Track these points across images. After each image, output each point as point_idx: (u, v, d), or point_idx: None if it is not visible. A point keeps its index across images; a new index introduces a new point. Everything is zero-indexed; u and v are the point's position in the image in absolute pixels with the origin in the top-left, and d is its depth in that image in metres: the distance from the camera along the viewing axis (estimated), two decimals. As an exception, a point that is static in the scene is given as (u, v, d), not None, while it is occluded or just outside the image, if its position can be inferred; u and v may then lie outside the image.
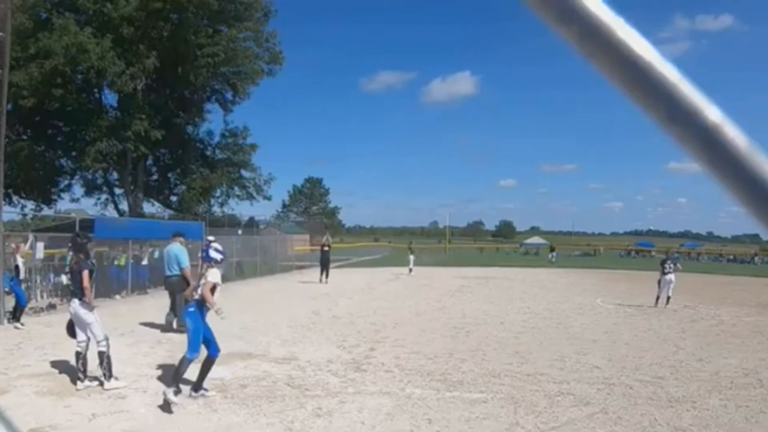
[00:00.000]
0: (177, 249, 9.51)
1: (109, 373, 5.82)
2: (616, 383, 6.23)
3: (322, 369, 6.78)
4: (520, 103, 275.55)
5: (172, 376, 5.41)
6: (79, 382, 5.79)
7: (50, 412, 5.07)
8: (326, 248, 19.17)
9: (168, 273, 9.52)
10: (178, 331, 8.33)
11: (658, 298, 13.55)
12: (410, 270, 23.44)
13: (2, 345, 8.01)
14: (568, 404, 5.45)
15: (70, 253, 8.04)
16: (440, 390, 5.88)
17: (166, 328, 9.19)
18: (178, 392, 5.23)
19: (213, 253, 5.70)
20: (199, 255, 5.86)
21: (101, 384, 5.79)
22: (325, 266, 18.78)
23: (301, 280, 20.29)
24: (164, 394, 5.18)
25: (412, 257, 24.04)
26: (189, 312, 5.51)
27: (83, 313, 5.97)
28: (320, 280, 18.46)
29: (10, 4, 9.95)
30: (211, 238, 10.82)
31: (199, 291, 5.53)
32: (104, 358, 5.83)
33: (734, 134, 0.32)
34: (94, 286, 6.71)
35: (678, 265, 14.64)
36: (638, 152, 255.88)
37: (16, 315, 9.78)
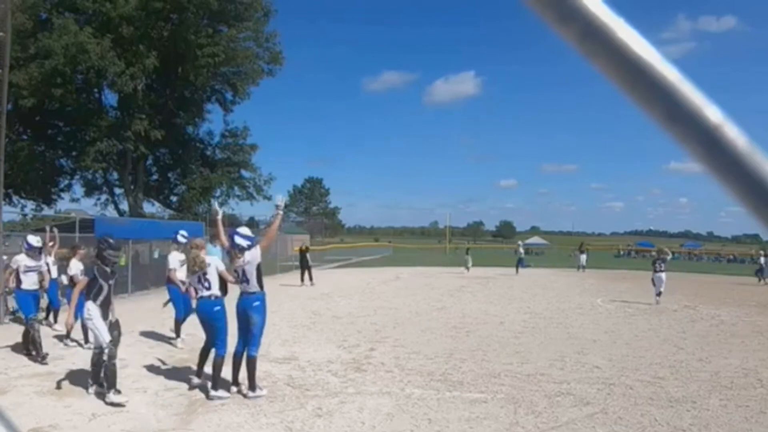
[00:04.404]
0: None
1: (93, 381, 5.65)
2: (616, 383, 6.23)
3: (322, 369, 6.78)
4: (521, 103, 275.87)
5: (248, 379, 5.64)
6: (94, 386, 5.65)
7: (50, 412, 5.07)
8: (304, 250, 19.27)
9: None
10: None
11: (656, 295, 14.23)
12: (468, 269, 25.29)
13: (2, 345, 8.02)
14: (568, 404, 5.45)
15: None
16: (440, 390, 5.88)
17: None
18: (259, 388, 5.66)
19: (238, 240, 5.76)
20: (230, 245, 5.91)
21: (87, 389, 5.68)
22: (305, 268, 18.75)
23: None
24: (246, 395, 5.56)
25: (469, 257, 26.06)
26: (257, 306, 5.68)
27: (85, 318, 5.81)
28: (302, 282, 18.33)
29: (10, 4, 9.94)
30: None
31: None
32: (96, 365, 5.64)
33: (735, 134, 0.32)
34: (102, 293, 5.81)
35: (664, 264, 14.94)
36: (638, 152, 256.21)
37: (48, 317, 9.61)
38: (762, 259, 24.31)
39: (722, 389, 6.09)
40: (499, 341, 8.77)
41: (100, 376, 5.59)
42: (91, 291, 5.74)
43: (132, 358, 7.11)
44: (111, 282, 5.88)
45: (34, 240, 7.96)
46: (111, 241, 5.96)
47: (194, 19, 23.68)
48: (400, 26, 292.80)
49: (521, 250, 27.26)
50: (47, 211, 26.41)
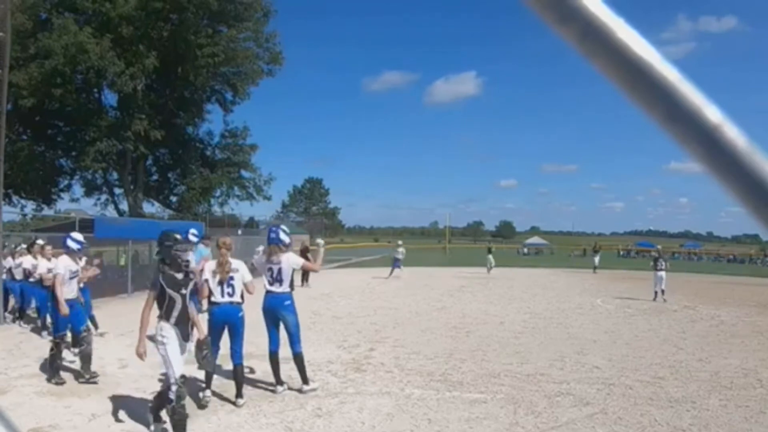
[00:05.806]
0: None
1: (152, 414, 4.69)
2: (616, 383, 6.23)
3: (322, 369, 6.78)
4: (521, 103, 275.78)
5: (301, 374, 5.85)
6: (153, 424, 4.70)
7: (50, 412, 5.07)
8: (304, 250, 18.98)
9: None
10: None
11: (656, 293, 14.71)
12: (491, 269, 24.90)
13: (2, 345, 8.01)
14: (568, 404, 5.45)
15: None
16: (440, 390, 5.88)
17: None
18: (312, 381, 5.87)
19: (282, 236, 5.86)
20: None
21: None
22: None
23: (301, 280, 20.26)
24: (301, 390, 5.73)
25: (491, 257, 25.56)
26: (288, 306, 5.81)
27: (157, 342, 4.53)
28: (302, 283, 18.11)
29: (10, 4, 9.94)
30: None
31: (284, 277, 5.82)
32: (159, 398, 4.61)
33: (735, 134, 0.32)
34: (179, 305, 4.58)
35: (667, 264, 15.57)
36: (639, 152, 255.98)
37: None
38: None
39: (722, 389, 6.09)
40: (499, 341, 8.77)
41: (160, 412, 4.63)
42: (161, 307, 4.54)
43: (132, 358, 7.09)
44: (185, 291, 4.62)
45: (80, 236, 6.78)
46: (177, 236, 4.77)
47: (194, 19, 23.69)
48: (401, 26, 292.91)
49: (401, 249, 22.86)
50: (47, 211, 26.44)
